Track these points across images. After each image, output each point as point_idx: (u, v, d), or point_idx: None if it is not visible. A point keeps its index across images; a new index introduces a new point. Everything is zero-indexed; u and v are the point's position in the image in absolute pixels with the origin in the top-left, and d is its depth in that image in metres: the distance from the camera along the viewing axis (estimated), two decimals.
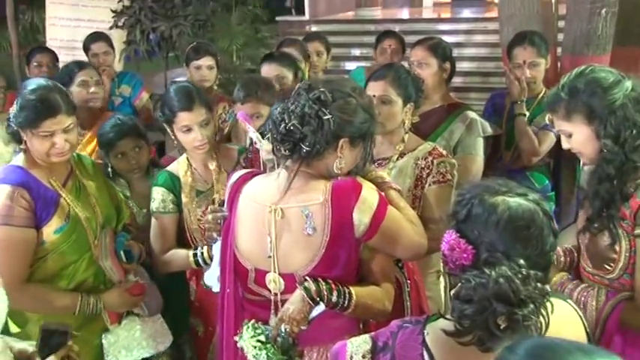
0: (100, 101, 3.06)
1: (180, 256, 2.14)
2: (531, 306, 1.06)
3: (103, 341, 2.00)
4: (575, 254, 1.85)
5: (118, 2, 5.73)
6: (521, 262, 1.09)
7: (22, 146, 1.91)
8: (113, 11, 5.66)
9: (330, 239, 1.51)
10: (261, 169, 1.70)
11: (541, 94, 2.89)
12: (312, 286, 1.51)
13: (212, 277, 1.86)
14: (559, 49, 3.86)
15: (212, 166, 2.21)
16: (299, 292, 1.54)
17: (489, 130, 2.60)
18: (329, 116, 1.47)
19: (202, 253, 2.06)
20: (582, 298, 1.71)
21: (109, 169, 2.44)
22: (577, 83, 1.65)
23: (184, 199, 2.18)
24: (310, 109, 1.47)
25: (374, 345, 1.21)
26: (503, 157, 2.92)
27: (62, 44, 5.54)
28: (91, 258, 1.98)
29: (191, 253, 2.11)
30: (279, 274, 1.57)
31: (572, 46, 3.66)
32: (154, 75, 7.47)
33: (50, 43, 5.61)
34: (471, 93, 7.20)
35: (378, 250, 1.62)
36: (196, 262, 2.09)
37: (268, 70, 2.88)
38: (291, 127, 1.47)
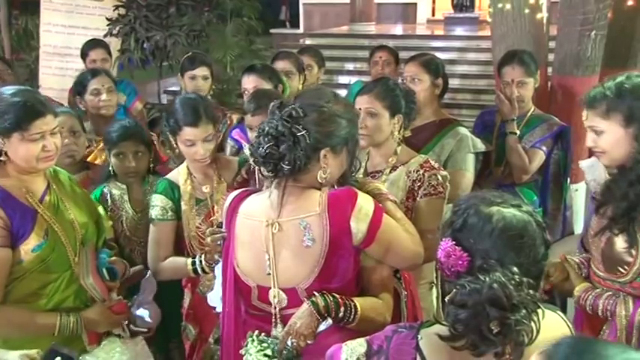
0: (113, 108, 3.08)
1: (178, 264, 2.13)
2: (523, 311, 1.09)
3: None
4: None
5: (114, 10, 5.75)
6: (515, 269, 1.12)
7: (1, 158, 1.80)
8: (108, 19, 5.67)
9: (329, 249, 1.52)
10: (257, 184, 1.71)
11: (530, 113, 2.93)
12: (321, 302, 1.52)
13: (216, 298, 1.85)
14: (550, 69, 3.93)
15: (214, 176, 2.24)
16: (307, 307, 1.54)
17: (480, 147, 2.64)
18: (303, 132, 1.48)
19: (200, 262, 2.05)
20: (609, 307, 1.76)
21: (110, 169, 2.45)
22: (624, 85, 1.74)
23: (184, 207, 2.18)
24: (284, 127, 1.48)
25: (369, 348, 1.23)
26: (494, 172, 2.96)
27: (56, 50, 5.56)
28: (71, 276, 1.90)
29: (189, 261, 2.10)
30: (281, 289, 1.57)
31: (562, 67, 3.72)
32: (147, 83, 7.48)
33: (44, 49, 5.62)
34: (462, 110, 7.27)
35: (378, 260, 1.64)
36: (194, 271, 2.08)
37: (248, 81, 2.91)
38: (268, 149, 1.48)
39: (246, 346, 1.57)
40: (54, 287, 1.87)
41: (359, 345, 1.25)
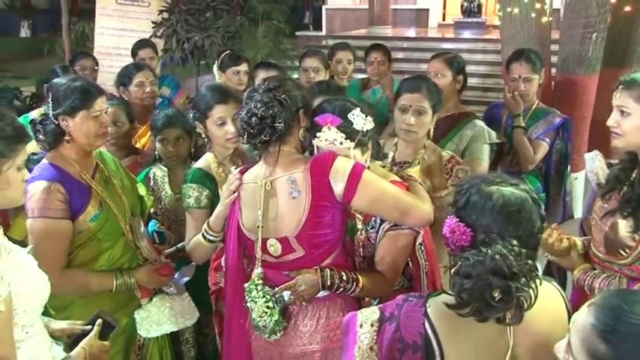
0: (154, 99, 3.10)
1: (196, 239, 1.94)
2: (523, 279, 1.09)
3: (136, 316, 1.98)
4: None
5: (158, 15, 5.80)
6: (514, 241, 1.11)
7: (66, 137, 1.84)
8: (153, 22, 5.72)
9: (312, 200, 1.58)
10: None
11: (534, 107, 2.89)
12: (328, 278, 1.60)
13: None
14: (553, 70, 3.87)
15: (239, 162, 2.16)
16: (315, 277, 1.58)
17: (494, 138, 2.60)
18: (284, 95, 1.60)
19: (205, 227, 1.87)
20: (603, 287, 1.72)
21: (155, 153, 2.46)
22: None
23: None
24: (267, 97, 1.60)
25: (381, 315, 1.23)
26: (502, 161, 2.93)
27: (108, 51, 5.62)
28: (125, 243, 1.96)
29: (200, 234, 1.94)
30: (275, 238, 1.63)
31: (565, 66, 3.67)
32: (186, 80, 7.52)
33: (97, 50, 5.69)
34: (470, 106, 7.14)
35: (395, 241, 1.66)
36: (206, 239, 1.91)
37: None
38: (262, 114, 1.58)
39: (250, 293, 1.65)
40: (110, 253, 1.93)
41: (372, 312, 1.25)
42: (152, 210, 2.25)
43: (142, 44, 3.88)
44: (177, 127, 2.43)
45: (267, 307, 1.60)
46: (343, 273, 1.63)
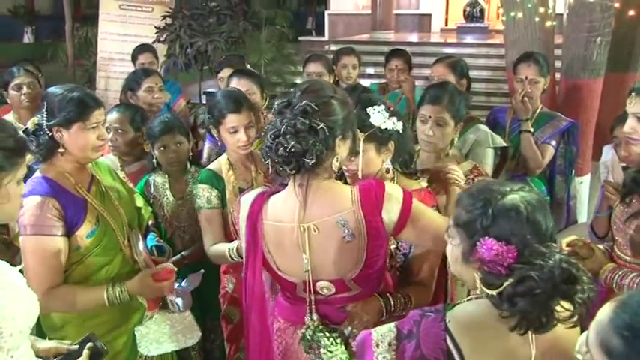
0: (162, 105, 3.09)
1: (221, 250, 2.06)
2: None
3: (136, 333, 1.92)
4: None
5: (161, 20, 5.81)
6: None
7: (60, 150, 1.77)
8: (156, 28, 5.73)
9: (368, 241, 1.47)
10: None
11: (538, 111, 2.88)
12: (391, 304, 1.56)
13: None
14: (557, 75, 3.87)
15: (252, 167, 2.20)
16: (378, 304, 1.54)
17: (499, 142, 2.59)
18: (321, 124, 1.38)
19: (233, 249, 2.00)
20: (634, 285, 1.73)
21: (154, 161, 2.43)
22: None
23: (229, 195, 2.12)
24: (302, 124, 1.37)
25: (399, 333, 1.19)
26: (508, 165, 2.91)
27: (111, 56, 5.65)
28: (123, 258, 1.89)
29: (227, 247, 2.04)
30: (328, 280, 1.51)
31: (570, 70, 3.66)
32: (189, 85, 7.53)
33: (101, 55, 5.71)
34: (474, 111, 7.12)
35: (430, 251, 1.63)
36: (232, 257, 2.03)
37: (238, 83, 2.70)
38: (292, 148, 1.37)
39: (319, 341, 1.52)
40: (108, 269, 1.85)
41: (389, 330, 1.20)
42: (150, 222, 2.20)
43: (141, 49, 3.88)
44: (175, 133, 2.42)
45: (343, 351, 1.51)
46: (399, 295, 1.59)
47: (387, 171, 1.69)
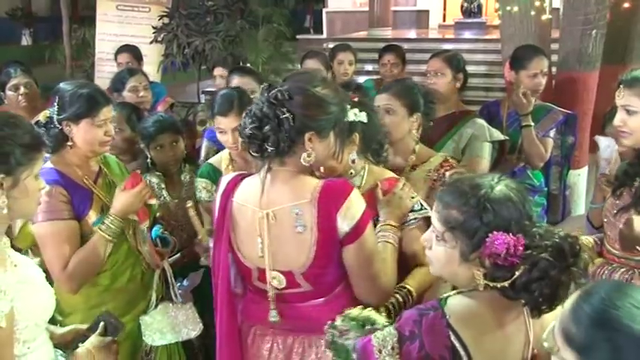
0: (148, 104, 3.07)
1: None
2: (578, 246, 1.13)
3: (141, 322, 1.97)
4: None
5: (158, 20, 5.83)
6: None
7: (69, 143, 1.82)
8: (154, 28, 5.76)
9: (319, 237, 1.40)
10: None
11: (532, 104, 2.88)
12: (395, 304, 1.56)
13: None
14: (553, 68, 3.88)
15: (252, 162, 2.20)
16: (384, 307, 1.52)
17: (496, 136, 2.58)
18: (287, 115, 1.34)
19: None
20: (624, 281, 1.72)
21: (148, 161, 2.42)
22: None
23: None
24: (269, 109, 1.35)
25: (400, 335, 1.16)
26: (508, 160, 2.90)
27: (109, 57, 5.64)
28: (128, 248, 1.94)
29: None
30: (279, 271, 1.46)
31: (566, 63, 3.67)
32: (187, 85, 7.56)
33: (98, 56, 5.73)
34: (470, 105, 7.14)
35: (415, 230, 1.63)
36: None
37: (239, 81, 2.70)
38: (252, 130, 1.36)
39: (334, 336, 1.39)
40: (113, 258, 1.89)
41: (389, 334, 1.17)
42: (158, 214, 2.23)
43: (120, 49, 3.85)
44: (170, 131, 2.42)
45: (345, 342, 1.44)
46: (398, 295, 1.57)
47: (353, 161, 1.65)
